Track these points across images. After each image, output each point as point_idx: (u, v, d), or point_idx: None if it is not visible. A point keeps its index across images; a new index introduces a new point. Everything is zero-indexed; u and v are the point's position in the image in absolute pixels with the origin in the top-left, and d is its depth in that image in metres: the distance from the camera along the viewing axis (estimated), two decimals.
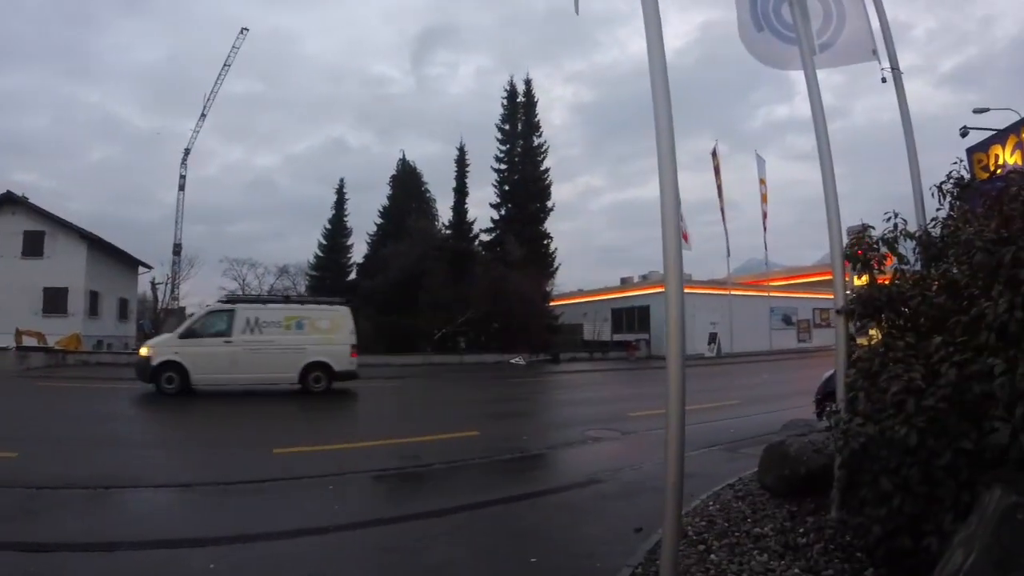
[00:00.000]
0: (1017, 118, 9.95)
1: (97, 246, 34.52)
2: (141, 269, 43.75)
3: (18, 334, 25.74)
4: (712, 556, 4.47)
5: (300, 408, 15.35)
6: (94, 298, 34.32)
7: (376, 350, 34.33)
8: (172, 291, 54.85)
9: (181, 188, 56.52)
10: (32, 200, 33.79)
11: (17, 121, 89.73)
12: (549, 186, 43.97)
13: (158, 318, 51.46)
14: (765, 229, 42.65)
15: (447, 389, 21.20)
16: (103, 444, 9.60)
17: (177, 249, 55.08)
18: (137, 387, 16.82)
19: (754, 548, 4.57)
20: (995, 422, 2.92)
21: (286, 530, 5.57)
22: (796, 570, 4.07)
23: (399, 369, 28.19)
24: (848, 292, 5.13)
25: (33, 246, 32.26)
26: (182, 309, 58.29)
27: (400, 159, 48.81)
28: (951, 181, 4.88)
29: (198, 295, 67.48)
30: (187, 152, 56.83)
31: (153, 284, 52.02)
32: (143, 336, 44.79)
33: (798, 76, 5.61)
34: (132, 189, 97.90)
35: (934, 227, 4.92)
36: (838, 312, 5.04)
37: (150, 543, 5.12)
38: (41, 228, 32.60)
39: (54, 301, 32.00)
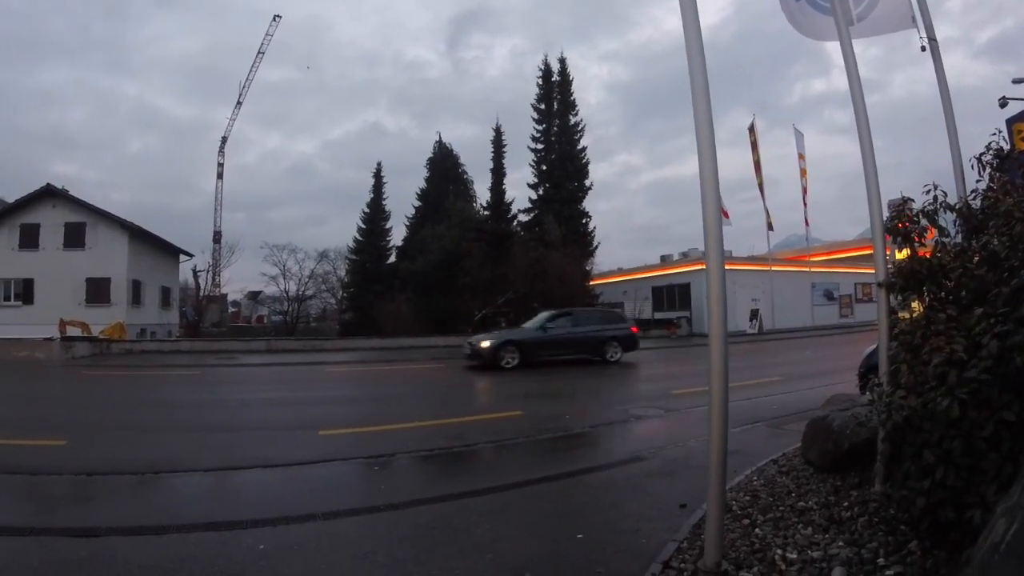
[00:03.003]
0: None
1: (138, 235, 35.12)
2: (182, 257, 44.51)
3: (62, 324, 26.32)
4: (757, 530, 4.54)
5: (345, 392, 15.71)
6: (136, 287, 34.96)
7: (417, 332, 34.80)
8: (213, 278, 55.75)
9: (220, 176, 57.62)
10: (73, 192, 34.62)
11: (59, 115, 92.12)
12: (586, 165, 43.95)
13: (201, 305, 52.45)
14: (805, 204, 42.19)
15: (490, 370, 21.38)
16: (150, 430, 9.80)
17: (217, 236, 56.12)
18: (178, 374, 17.27)
19: (798, 522, 4.63)
20: None
21: (335, 510, 5.66)
22: (840, 543, 4.11)
23: (441, 350, 28.43)
24: (889, 266, 5.11)
25: (75, 237, 32.93)
26: (224, 296, 59.31)
27: (437, 142, 49.21)
28: (990, 152, 4.83)
29: (240, 281, 68.64)
30: (224, 140, 57.84)
31: (195, 271, 53.04)
32: (187, 324, 45.82)
33: (834, 49, 5.58)
34: (172, 178, 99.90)
35: (974, 199, 4.88)
36: (879, 285, 5.03)
37: (199, 526, 5.22)
38: (82, 219, 33.26)
39: (97, 291, 32.67)
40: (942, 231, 4.96)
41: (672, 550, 4.34)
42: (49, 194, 33.41)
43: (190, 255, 45.54)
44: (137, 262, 34.87)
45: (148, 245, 37.44)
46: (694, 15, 4.02)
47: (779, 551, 4.11)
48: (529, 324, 22.11)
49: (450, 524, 5.34)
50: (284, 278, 52.81)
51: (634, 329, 22.55)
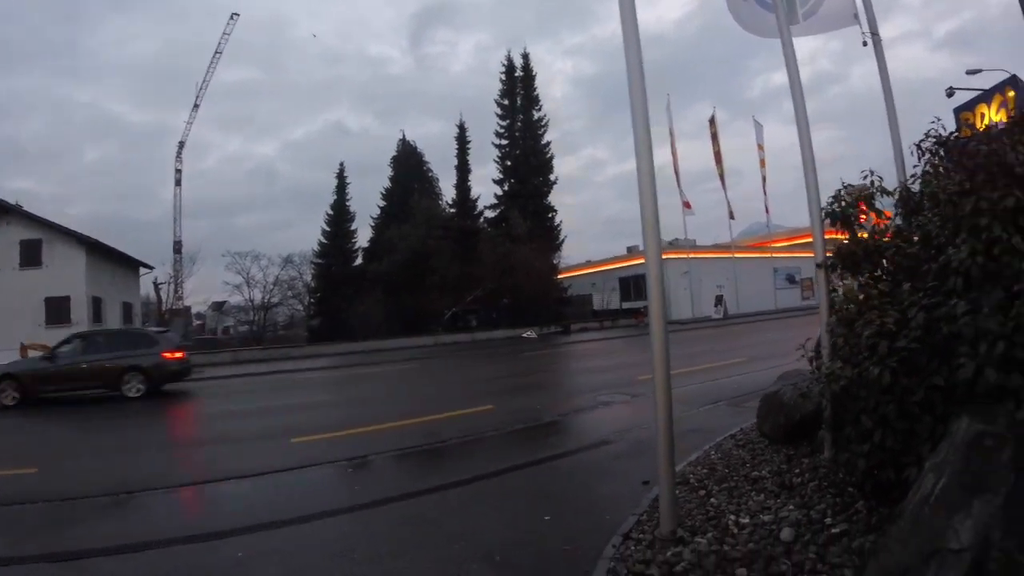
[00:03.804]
0: (1004, 77, 10.08)
1: (96, 250, 33.72)
2: (142, 270, 42.75)
3: (23, 349, 25.47)
4: (712, 500, 4.81)
5: (316, 398, 15.76)
6: (97, 304, 33.49)
7: (388, 333, 34.73)
8: (176, 290, 54.35)
9: (178, 183, 55.57)
10: (28, 207, 32.71)
11: (10, 126, 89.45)
12: (551, 159, 44.08)
13: (164, 319, 51.33)
14: (765, 193, 42.97)
15: (461, 367, 21.51)
16: (121, 450, 9.71)
17: (178, 247, 54.09)
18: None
19: (752, 490, 4.92)
20: (962, 359, 3.13)
21: (311, 513, 5.79)
22: (791, 507, 4.37)
23: (411, 351, 28.53)
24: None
25: (31, 255, 31.40)
26: (187, 308, 57.86)
27: (400, 140, 48.89)
28: (930, 139, 5.12)
29: (203, 292, 67.01)
30: (181, 145, 56.03)
31: (156, 285, 51.14)
32: None
33: (801, 42, 5.83)
34: (130, 188, 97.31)
35: (913, 183, 5.16)
36: (818, 266, 5.33)
37: (178, 539, 5.28)
38: (38, 236, 31.72)
39: (57, 311, 31.12)
40: (878, 213, 5.25)
41: (632, 523, 4.59)
42: (2, 211, 32.25)
43: (150, 268, 43.92)
44: (96, 278, 33.47)
45: (107, 260, 36.11)
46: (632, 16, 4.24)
47: (732, 517, 4.37)
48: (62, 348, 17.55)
49: (423, 518, 5.51)
50: (248, 286, 51.58)
51: (173, 355, 17.36)
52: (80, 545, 5.28)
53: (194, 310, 62.58)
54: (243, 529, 5.45)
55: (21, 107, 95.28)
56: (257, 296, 52.16)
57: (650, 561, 3.81)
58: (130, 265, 40.80)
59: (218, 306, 63.01)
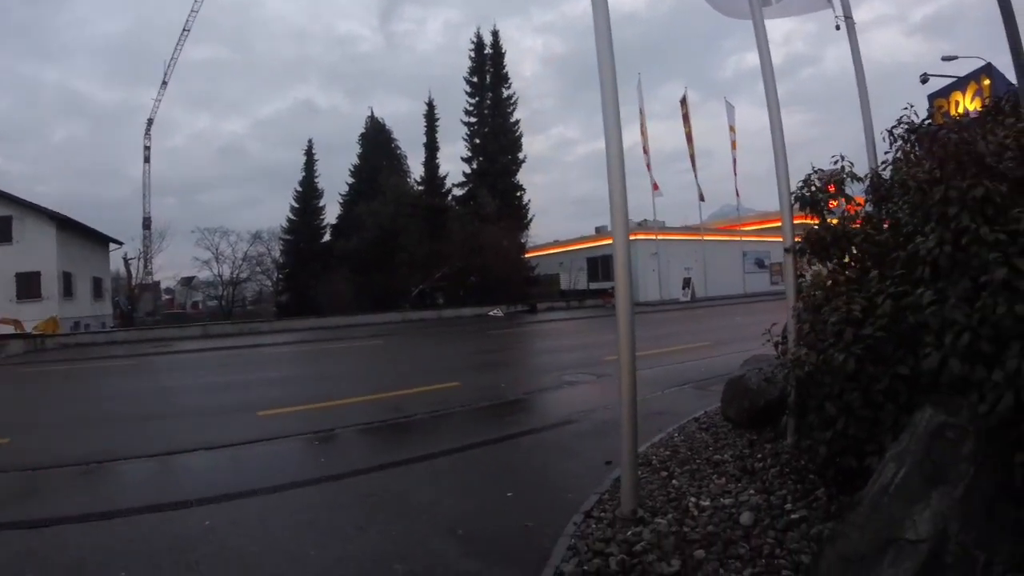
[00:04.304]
0: (980, 65, 10.16)
1: (66, 226, 33.82)
2: (112, 246, 42.84)
3: None
4: (674, 481, 4.84)
5: (284, 373, 15.63)
6: (67, 279, 33.66)
7: (356, 309, 34.60)
8: (145, 266, 54.05)
9: (147, 160, 55.58)
10: None
11: None
12: (520, 138, 43.99)
13: (134, 294, 50.89)
14: (735, 175, 43.02)
15: (427, 344, 21.44)
16: (91, 422, 9.65)
17: (147, 223, 54.15)
18: (115, 365, 16.84)
19: (713, 473, 4.95)
20: (927, 349, 3.14)
21: (277, 484, 5.80)
22: (751, 491, 4.40)
23: (379, 328, 28.48)
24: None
25: (1, 232, 31.51)
26: (157, 283, 57.58)
27: (369, 117, 48.54)
28: (902, 126, 5.12)
29: (172, 268, 66.39)
30: (150, 122, 55.74)
31: (126, 260, 51.19)
32: (120, 314, 44.45)
33: (769, 24, 5.78)
34: (99, 166, 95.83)
35: (884, 169, 5.17)
36: (786, 251, 5.34)
37: (145, 508, 5.30)
38: (8, 213, 31.77)
39: (27, 286, 31.41)
40: (849, 199, 5.26)
41: (594, 502, 4.62)
42: None
43: (120, 243, 43.82)
44: (67, 254, 33.43)
45: (77, 235, 35.94)
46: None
47: (693, 499, 4.40)
48: None
49: (389, 491, 5.51)
50: (217, 262, 51.48)
51: None
52: (46, 513, 5.31)
53: (163, 285, 62.20)
54: (210, 499, 5.47)
55: None
56: (226, 271, 52.08)
57: (610, 539, 3.82)
58: (100, 241, 40.55)
59: (187, 281, 62.51)
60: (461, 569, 3.82)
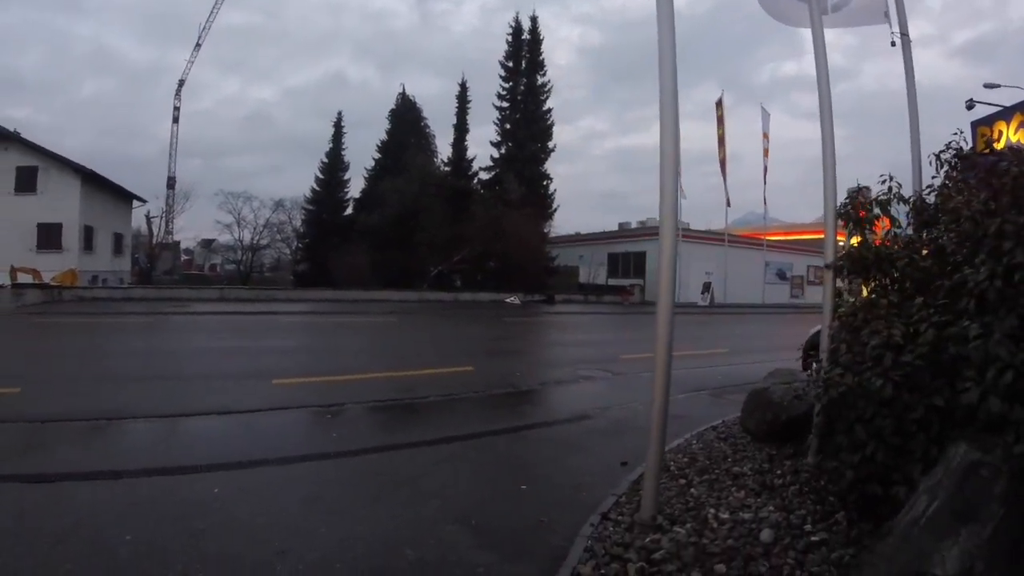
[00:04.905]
0: None
1: (91, 180, 33.81)
2: (135, 203, 42.77)
3: (13, 271, 25.43)
4: (692, 490, 4.78)
5: (299, 343, 15.70)
6: (89, 233, 33.69)
7: (373, 285, 34.71)
8: (166, 225, 54.22)
9: (175, 120, 55.69)
10: (24, 135, 32.98)
11: (10, 57, 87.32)
12: (551, 126, 43.80)
13: (153, 252, 51.23)
14: (765, 183, 42.64)
15: (443, 326, 21.49)
16: (104, 378, 9.62)
17: (171, 182, 54.17)
18: (131, 322, 17.03)
19: (732, 485, 4.88)
20: (967, 383, 3.07)
21: (288, 456, 5.82)
22: (771, 507, 4.34)
23: (395, 305, 28.56)
24: (840, 250, 5.31)
25: (26, 182, 31.59)
26: (177, 243, 57.90)
27: (400, 94, 48.60)
28: (950, 151, 5.02)
29: (193, 229, 66.79)
30: (181, 83, 55.83)
31: (148, 218, 51.35)
32: (139, 271, 44.72)
33: (807, 34, 5.68)
34: (126, 123, 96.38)
35: (929, 194, 5.07)
36: (827, 267, 5.24)
37: (154, 470, 5.27)
38: (34, 163, 31.87)
39: (48, 237, 31.48)
40: (894, 221, 5.17)
41: (611, 503, 4.57)
42: (0, 137, 32.03)
43: (143, 200, 43.81)
44: (89, 207, 33.40)
45: (101, 190, 35.88)
46: None
47: (712, 510, 4.34)
48: None
49: (400, 472, 5.49)
50: (239, 226, 51.85)
51: None
52: (52, 468, 5.24)
53: (183, 246, 62.47)
54: (220, 465, 5.45)
55: (21, 38, 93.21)
56: (246, 237, 52.37)
57: (628, 545, 3.77)
58: (123, 197, 40.61)
59: (207, 243, 62.86)
60: (475, 561, 3.77)
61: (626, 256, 43.82)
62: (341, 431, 7.02)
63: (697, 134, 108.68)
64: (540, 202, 42.05)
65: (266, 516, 4.38)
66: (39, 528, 4.02)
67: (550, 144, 43.86)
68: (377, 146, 47.27)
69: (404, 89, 49.03)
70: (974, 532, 2.75)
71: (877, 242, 4.95)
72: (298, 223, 51.37)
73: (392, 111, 47.86)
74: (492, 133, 44.56)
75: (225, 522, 4.26)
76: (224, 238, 55.83)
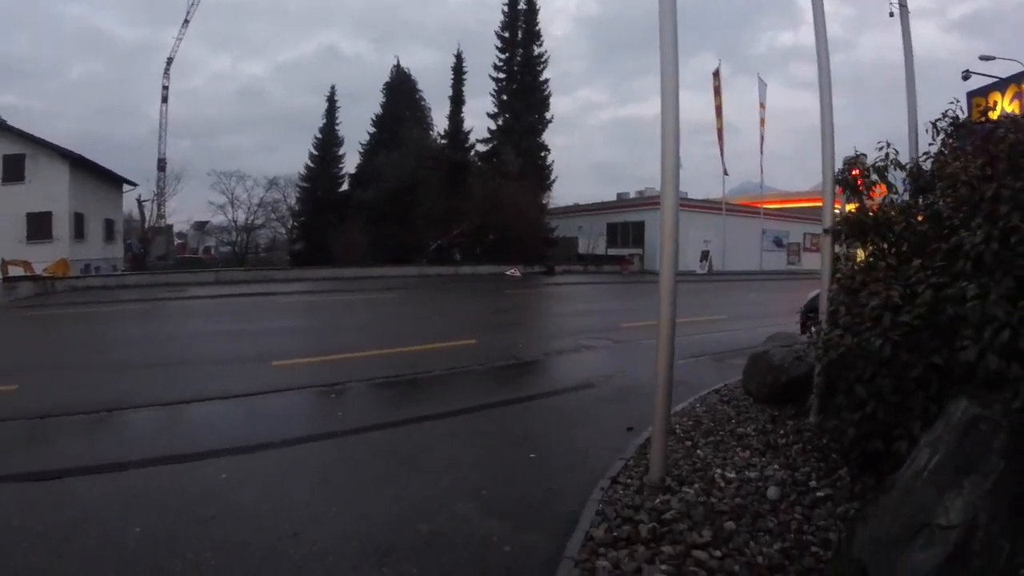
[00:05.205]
0: (1020, 69, 10.01)
1: (80, 165, 32.86)
2: (126, 187, 41.53)
3: (4, 264, 24.94)
4: (698, 451, 4.91)
5: (298, 323, 15.74)
6: (79, 220, 32.69)
7: (371, 262, 34.66)
8: (158, 208, 53.28)
9: (164, 100, 54.54)
10: (12, 122, 31.85)
11: None
12: (548, 97, 43.49)
13: (146, 237, 50.57)
14: (762, 152, 42.52)
15: (443, 300, 21.56)
16: (102, 369, 9.61)
17: (162, 164, 52.97)
18: (127, 309, 17.01)
19: (737, 445, 5.03)
20: (965, 341, 3.18)
21: (293, 438, 5.79)
22: (776, 466, 4.48)
23: (394, 281, 28.53)
24: (837, 216, 5.39)
25: (14, 170, 30.49)
26: (170, 227, 57.03)
27: (395, 66, 47.97)
28: (946, 119, 5.09)
29: (186, 211, 65.84)
30: (170, 61, 54.76)
31: (139, 202, 50.05)
32: (132, 257, 44.23)
33: (805, 3, 5.69)
34: (116, 105, 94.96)
35: (925, 161, 5.16)
36: (825, 231, 5.33)
37: (158, 459, 5.20)
38: (21, 151, 30.70)
39: (38, 226, 30.42)
40: (891, 187, 5.24)
41: (619, 467, 4.68)
42: None
43: (134, 184, 42.42)
44: (80, 194, 32.41)
45: (91, 175, 34.71)
46: None
47: (719, 470, 4.47)
48: None
49: (407, 448, 5.55)
50: (232, 207, 51.12)
51: None
52: (55, 464, 5.15)
53: (176, 229, 61.67)
54: (224, 451, 5.42)
55: (7, 20, 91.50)
56: (240, 217, 51.86)
57: (639, 507, 3.88)
58: (114, 182, 39.58)
59: (200, 226, 62.17)
60: (488, 531, 3.84)
61: (625, 226, 43.76)
62: (345, 410, 7.04)
63: (695, 104, 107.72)
64: (538, 173, 41.87)
65: (274, 500, 4.38)
66: (46, 526, 3.96)
67: (547, 115, 43.61)
68: (372, 120, 46.85)
69: (399, 62, 48.78)
70: (976, 484, 2.86)
71: (875, 208, 5.02)
72: (293, 201, 50.81)
73: (387, 84, 47.39)
74: (489, 105, 44.30)
75: (233, 508, 4.24)
76: (218, 219, 55.08)
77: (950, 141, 4.97)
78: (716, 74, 41.57)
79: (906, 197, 5.22)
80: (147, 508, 4.23)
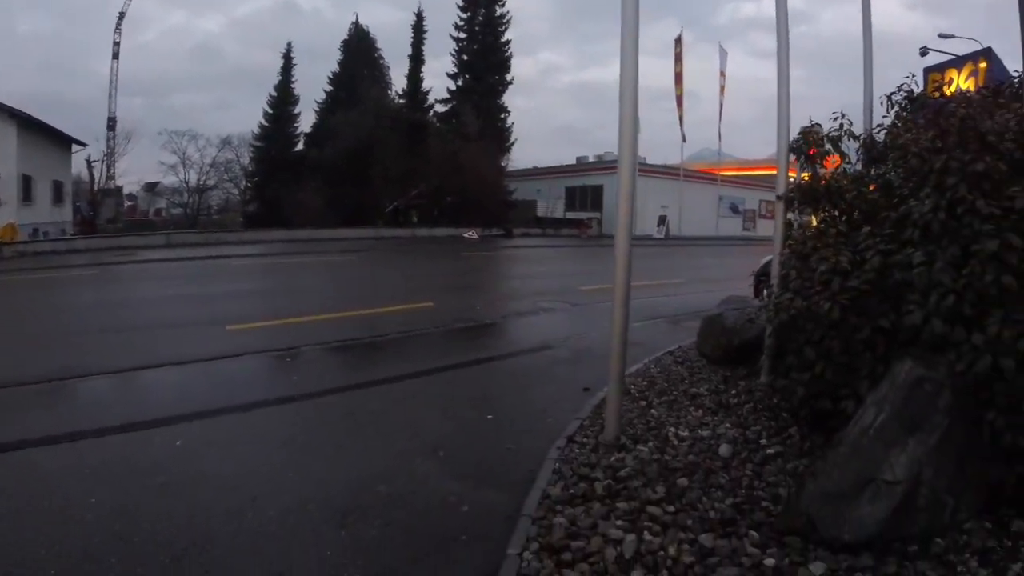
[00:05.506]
0: (977, 48, 10.24)
1: (27, 125, 31.06)
2: (75, 147, 39.59)
3: None
4: (653, 411, 5.05)
5: (252, 286, 15.51)
6: (27, 183, 30.98)
7: (327, 223, 34.17)
8: (108, 169, 51.33)
9: (115, 56, 51.99)
10: None
11: None
12: (509, 58, 43.27)
13: (96, 199, 48.84)
14: (721, 120, 42.86)
15: (401, 262, 21.43)
16: (53, 336, 9.17)
17: (112, 123, 50.59)
18: (77, 275, 16.55)
19: (690, 405, 5.18)
20: (911, 306, 3.30)
21: (250, 402, 5.71)
22: (728, 425, 4.63)
23: (351, 243, 28.18)
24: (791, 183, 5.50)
25: None
26: (119, 188, 55.14)
27: (353, 23, 47.03)
28: (901, 93, 5.20)
29: (136, 172, 63.45)
30: (121, 16, 52.08)
31: (88, 162, 47.84)
32: (81, 220, 42.72)
33: None
34: (65, 62, 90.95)
35: (879, 132, 5.28)
36: (779, 198, 5.43)
37: (114, 428, 5.07)
38: None
39: None
40: (844, 157, 5.36)
41: (575, 427, 4.78)
42: None
43: (83, 144, 40.50)
44: (27, 155, 30.60)
45: (39, 135, 32.89)
46: None
47: (672, 429, 4.60)
48: None
49: (366, 410, 5.57)
50: (184, 167, 49.91)
51: None
52: (7, 436, 4.90)
53: (126, 191, 59.56)
54: (181, 417, 5.30)
55: None
56: (192, 178, 50.59)
57: (595, 465, 3.97)
58: (62, 142, 37.71)
59: (151, 187, 60.09)
60: (446, 491, 3.89)
61: (583, 190, 43.82)
62: (302, 374, 6.97)
63: (655, 70, 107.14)
64: (498, 135, 41.70)
65: (232, 464, 4.35)
66: (2, 500, 3.82)
67: (508, 76, 43.41)
68: (329, 78, 46.00)
69: (357, 19, 47.73)
70: (921, 441, 3.01)
71: (828, 177, 5.13)
72: (246, 161, 49.81)
73: (345, 42, 46.47)
74: (449, 65, 43.86)
75: (191, 474, 4.19)
76: (169, 180, 53.50)
77: (904, 114, 5.09)
78: (678, 41, 41.52)
79: (859, 167, 5.35)
80: (104, 478, 4.12)
